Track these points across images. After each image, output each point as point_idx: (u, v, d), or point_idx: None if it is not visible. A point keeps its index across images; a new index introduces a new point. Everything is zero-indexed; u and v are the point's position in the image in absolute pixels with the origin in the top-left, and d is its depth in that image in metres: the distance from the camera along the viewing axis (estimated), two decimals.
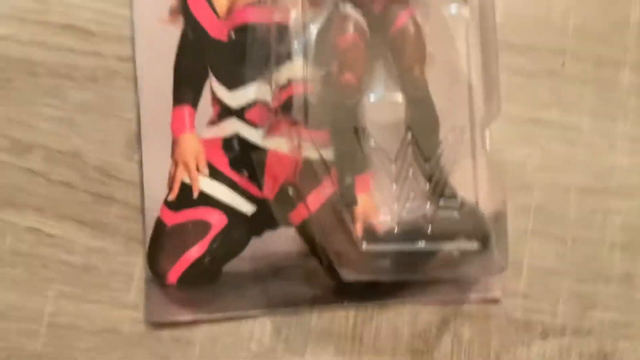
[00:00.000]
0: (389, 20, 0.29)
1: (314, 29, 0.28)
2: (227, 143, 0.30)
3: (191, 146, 0.30)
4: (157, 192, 0.30)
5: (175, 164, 0.30)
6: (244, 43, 0.30)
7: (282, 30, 0.29)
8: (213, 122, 0.30)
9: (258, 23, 0.30)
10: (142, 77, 0.30)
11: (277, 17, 0.29)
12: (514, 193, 0.30)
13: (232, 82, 0.30)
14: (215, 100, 0.30)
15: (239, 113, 0.30)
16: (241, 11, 0.31)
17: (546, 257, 0.30)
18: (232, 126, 0.30)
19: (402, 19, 0.29)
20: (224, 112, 0.30)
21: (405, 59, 0.29)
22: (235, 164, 0.30)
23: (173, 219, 0.30)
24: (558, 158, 0.30)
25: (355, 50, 0.28)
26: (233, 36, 0.31)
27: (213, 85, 0.30)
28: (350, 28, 0.28)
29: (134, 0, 0.30)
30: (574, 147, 0.31)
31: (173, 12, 0.31)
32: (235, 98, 0.30)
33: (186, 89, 0.30)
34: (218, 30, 0.31)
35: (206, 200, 0.30)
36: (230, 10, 0.31)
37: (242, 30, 0.30)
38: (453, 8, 0.29)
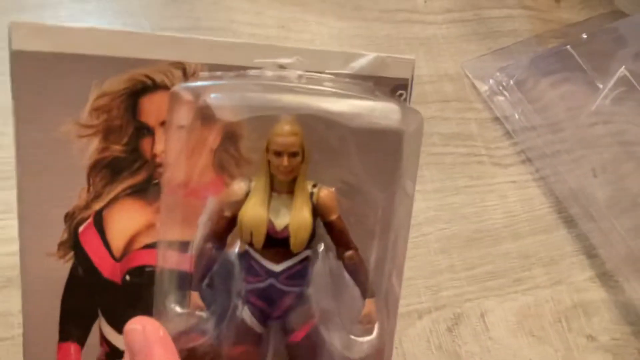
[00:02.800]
0: (289, 328, 0.28)
1: None
2: None
3: None
4: None
5: None
6: (139, 285, 0.30)
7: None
8: None
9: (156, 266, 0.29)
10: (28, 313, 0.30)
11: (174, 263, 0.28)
12: None
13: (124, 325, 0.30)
14: (104, 340, 0.31)
15: None
16: (138, 253, 0.30)
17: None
18: None
19: (301, 332, 0.28)
20: (112, 353, 0.31)
21: None
22: None
23: None
24: None
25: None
26: (127, 278, 0.30)
27: (102, 326, 0.30)
28: (245, 339, 0.27)
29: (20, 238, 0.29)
30: None
31: (62, 247, 0.29)
32: None
33: (73, 326, 0.30)
34: (112, 271, 0.30)
35: None
36: (126, 251, 0.30)
37: (138, 272, 0.30)
38: None
